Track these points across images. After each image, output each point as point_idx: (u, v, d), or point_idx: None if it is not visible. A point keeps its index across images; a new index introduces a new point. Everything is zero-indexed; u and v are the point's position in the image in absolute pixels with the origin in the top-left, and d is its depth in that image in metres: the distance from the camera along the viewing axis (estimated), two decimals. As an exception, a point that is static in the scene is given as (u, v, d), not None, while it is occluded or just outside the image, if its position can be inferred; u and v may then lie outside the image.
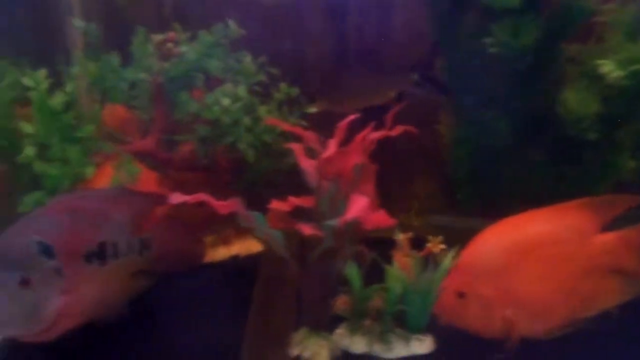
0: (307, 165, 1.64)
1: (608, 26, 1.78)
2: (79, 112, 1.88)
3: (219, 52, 1.88)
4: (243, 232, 2.09)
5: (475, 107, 1.96)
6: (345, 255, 1.58)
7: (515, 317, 1.49)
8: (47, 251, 1.39)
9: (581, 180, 1.90)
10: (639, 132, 1.86)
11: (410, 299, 1.59)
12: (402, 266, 1.62)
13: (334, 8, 2.39)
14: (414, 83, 2.16)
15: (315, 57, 2.40)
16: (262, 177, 1.97)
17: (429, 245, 1.64)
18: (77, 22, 1.89)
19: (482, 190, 2.06)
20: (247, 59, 1.92)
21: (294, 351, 1.57)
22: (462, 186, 2.10)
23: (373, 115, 1.75)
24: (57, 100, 1.80)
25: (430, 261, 1.60)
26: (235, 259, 2.09)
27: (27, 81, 1.79)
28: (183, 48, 1.84)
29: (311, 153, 1.67)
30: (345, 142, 1.68)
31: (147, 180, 1.91)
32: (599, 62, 1.71)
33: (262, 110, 1.88)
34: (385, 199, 1.75)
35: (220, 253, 2.11)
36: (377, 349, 1.58)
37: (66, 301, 1.40)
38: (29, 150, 1.78)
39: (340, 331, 1.64)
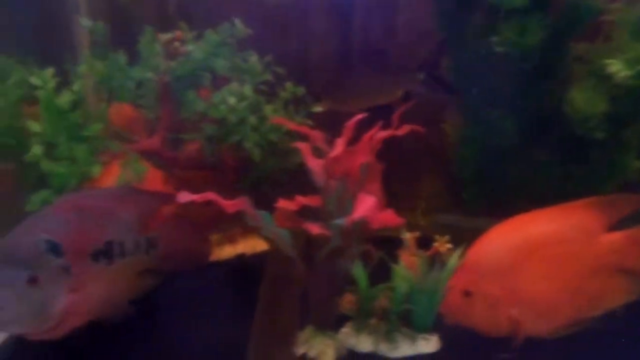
0: (315, 164, 1.64)
1: (616, 25, 1.78)
2: (86, 111, 1.89)
3: (225, 51, 1.87)
4: (249, 230, 2.09)
5: (481, 106, 1.96)
6: (352, 254, 1.58)
7: (521, 317, 1.49)
8: (55, 249, 1.39)
9: (588, 180, 1.89)
10: (646, 131, 1.86)
11: (416, 298, 1.59)
12: (408, 265, 1.61)
13: (339, 7, 2.38)
14: (420, 82, 2.16)
15: (320, 56, 2.39)
16: (267, 176, 1.97)
17: (435, 244, 1.63)
18: (84, 21, 1.89)
19: (488, 190, 2.05)
20: (253, 58, 1.92)
21: (300, 350, 1.57)
22: (468, 185, 2.09)
23: (379, 115, 1.75)
24: (64, 99, 1.81)
25: (436, 260, 1.60)
26: (241, 257, 2.10)
27: (34, 80, 1.80)
28: (190, 47, 1.84)
29: (318, 152, 1.67)
30: (352, 141, 1.68)
31: (153, 179, 1.91)
32: (607, 61, 1.71)
33: (268, 109, 1.88)
34: (392, 198, 1.75)
35: (226, 252, 2.12)
36: (383, 348, 1.58)
37: (73, 299, 1.41)
38: (36, 149, 1.79)
39: (346, 330, 1.64)
